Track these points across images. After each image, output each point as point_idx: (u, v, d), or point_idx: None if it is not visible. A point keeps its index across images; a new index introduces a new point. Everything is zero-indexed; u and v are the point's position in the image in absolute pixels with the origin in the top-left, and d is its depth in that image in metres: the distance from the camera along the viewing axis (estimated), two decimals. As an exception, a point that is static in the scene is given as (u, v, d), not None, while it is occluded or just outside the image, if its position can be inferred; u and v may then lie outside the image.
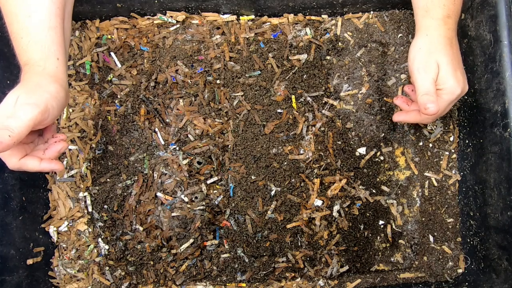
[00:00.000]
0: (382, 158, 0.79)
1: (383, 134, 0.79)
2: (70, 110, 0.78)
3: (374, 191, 0.78)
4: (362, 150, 0.78)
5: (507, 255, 0.68)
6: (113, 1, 0.75)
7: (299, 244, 0.76)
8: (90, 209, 0.76)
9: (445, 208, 0.80)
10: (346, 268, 0.76)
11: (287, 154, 0.77)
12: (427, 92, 0.59)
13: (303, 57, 0.78)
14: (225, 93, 0.78)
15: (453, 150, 0.80)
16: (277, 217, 0.76)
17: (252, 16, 0.81)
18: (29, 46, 0.55)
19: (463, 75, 0.62)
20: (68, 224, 0.77)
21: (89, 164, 0.77)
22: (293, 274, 0.76)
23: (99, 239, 0.76)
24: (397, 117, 0.71)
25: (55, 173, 0.78)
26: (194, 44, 0.79)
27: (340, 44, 0.80)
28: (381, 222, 0.79)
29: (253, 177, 0.76)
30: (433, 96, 0.58)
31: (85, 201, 0.76)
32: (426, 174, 0.80)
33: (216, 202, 0.76)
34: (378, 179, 0.79)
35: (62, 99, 0.55)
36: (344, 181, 0.77)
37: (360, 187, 0.78)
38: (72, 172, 0.77)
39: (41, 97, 0.51)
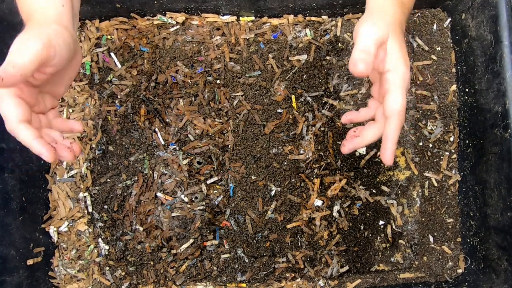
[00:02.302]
0: (382, 158, 0.79)
1: (383, 134, 0.79)
2: (70, 110, 0.78)
3: (374, 191, 0.78)
4: (362, 150, 0.78)
5: (507, 255, 0.68)
6: (113, 1, 0.75)
7: (299, 244, 0.76)
8: (90, 209, 0.76)
9: (445, 208, 0.80)
10: (346, 268, 0.76)
11: (287, 154, 0.77)
12: (364, 48, 0.48)
13: (303, 57, 0.78)
14: (225, 93, 0.78)
15: (453, 151, 0.80)
16: (277, 217, 0.76)
17: (252, 17, 0.81)
18: None
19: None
20: (68, 225, 0.77)
21: (89, 164, 0.77)
22: (293, 275, 0.76)
23: (99, 239, 0.76)
24: (347, 146, 0.58)
25: (55, 173, 0.78)
26: (194, 45, 0.79)
27: (340, 44, 0.79)
28: (381, 222, 0.79)
29: (253, 177, 0.76)
30: (370, 56, 0.48)
31: (85, 201, 0.76)
32: (426, 174, 0.80)
33: (216, 202, 0.76)
34: (378, 179, 0.79)
35: (68, 39, 0.51)
36: (344, 181, 0.77)
37: (360, 187, 0.78)
38: (72, 172, 0.77)
39: (43, 32, 0.48)
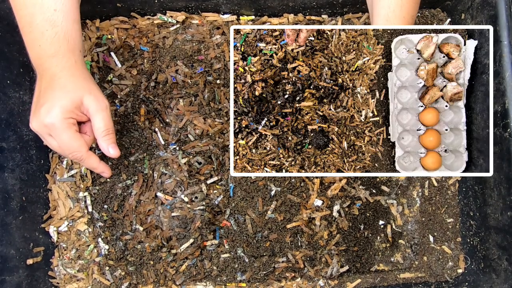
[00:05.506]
0: (382, 158, 0.79)
1: (383, 134, 0.79)
2: (70, 110, 0.78)
3: (374, 191, 0.78)
4: (362, 150, 0.78)
5: (507, 255, 0.68)
6: (113, 1, 0.75)
7: (299, 244, 0.76)
8: (90, 209, 0.76)
9: (445, 208, 0.80)
10: (346, 268, 0.76)
11: (287, 154, 0.77)
12: None
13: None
14: (225, 93, 0.78)
15: (453, 150, 0.81)
16: (277, 217, 0.76)
17: (252, 16, 0.81)
18: (55, 39, 0.56)
19: None
20: (68, 224, 0.76)
21: (89, 164, 0.77)
22: (293, 274, 0.76)
23: (99, 239, 0.76)
24: None
25: (55, 173, 0.78)
26: (194, 44, 0.79)
27: (340, 44, 0.80)
28: (381, 222, 0.79)
29: (253, 177, 0.76)
30: None
31: (85, 201, 0.76)
32: (426, 174, 0.80)
33: (216, 202, 0.76)
34: (378, 179, 0.79)
35: None
36: (344, 181, 0.77)
37: (360, 187, 0.78)
38: (72, 172, 0.77)
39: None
